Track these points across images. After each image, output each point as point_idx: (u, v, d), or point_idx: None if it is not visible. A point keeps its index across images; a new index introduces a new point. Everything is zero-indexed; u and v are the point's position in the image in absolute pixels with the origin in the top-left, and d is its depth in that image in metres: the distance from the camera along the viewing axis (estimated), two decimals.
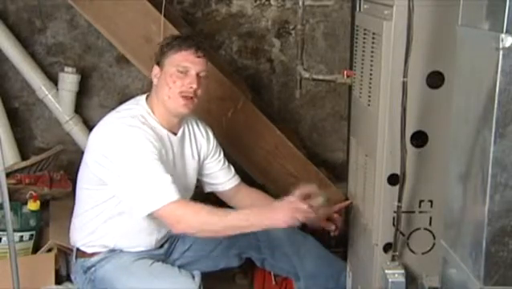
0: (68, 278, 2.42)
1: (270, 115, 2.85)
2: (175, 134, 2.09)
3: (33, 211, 2.57)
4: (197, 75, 2.01)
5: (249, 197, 2.28)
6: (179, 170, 2.11)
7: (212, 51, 2.89)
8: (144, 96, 2.10)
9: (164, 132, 2.05)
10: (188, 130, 2.17)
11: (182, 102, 2.00)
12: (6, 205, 2.02)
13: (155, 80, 2.04)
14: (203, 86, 2.04)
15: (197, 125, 2.21)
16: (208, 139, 2.22)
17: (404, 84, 1.55)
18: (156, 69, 2.04)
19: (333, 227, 2.17)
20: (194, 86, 1.99)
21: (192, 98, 2.01)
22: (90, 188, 2.04)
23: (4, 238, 2.40)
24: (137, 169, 1.90)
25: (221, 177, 2.26)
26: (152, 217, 1.93)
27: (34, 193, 2.63)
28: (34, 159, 2.92)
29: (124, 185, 1.92)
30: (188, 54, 2.00)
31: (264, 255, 2.28)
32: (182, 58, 2.00)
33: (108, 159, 1.93)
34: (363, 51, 1.90)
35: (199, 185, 2.26)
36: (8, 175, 2.57)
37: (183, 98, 1.99)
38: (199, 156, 2.20)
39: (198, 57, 2.01)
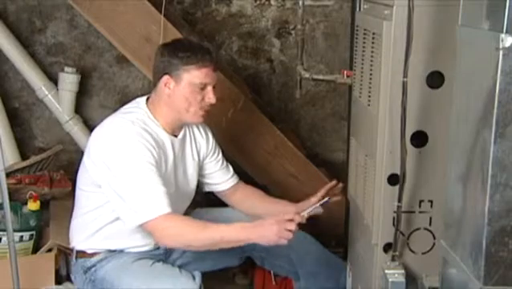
0: (68, 278, 2.42)
1: (270, 115, 2.85)
2: (176, 136, 2.09)
3: (33, 211, 2.57)
4: (213, 87, 2.05)
5: (248, 196, 2.28)
6: (180, 172, 2.11)
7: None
8: (144, 99, 2.09)
9: (166, 136, 2.05)
10: (189, 131, 2.17)
11: (201, 113, 2.04)
12: (6, 205, 2.02)
13: (166, 90, 2.01)
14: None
15: (197, 126, 2.21)
16: (207, 139, 2.22)
17: (404, 84, 1.55)
18: (168, 79, 2.00)
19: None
20: (213, 101, 2.03)
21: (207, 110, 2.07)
22: (88, 190, 2.04)
23: (4, 238, 2.39)
24: (131, 180, 1.90)
25: (220, 177, 2.27)
26: (142, 228, 1.93)
27: (34, 193, 2.63)
28: (34, 159, 2.92)
29: (117, 194, 1.92)
30: (208, 71, 2.01)
31: (264, 254, 2.28)
32: (203, 74, 2.00)
33: (106, 164, 1.93)
34: (363, 51, 1.89)
35: (198, 184, 2.26)
36: (8, 175, 2.57)
37: (202, 111, 2.04)
38: (199, 156, 2.20)
39: (214, 71, 2.04)
